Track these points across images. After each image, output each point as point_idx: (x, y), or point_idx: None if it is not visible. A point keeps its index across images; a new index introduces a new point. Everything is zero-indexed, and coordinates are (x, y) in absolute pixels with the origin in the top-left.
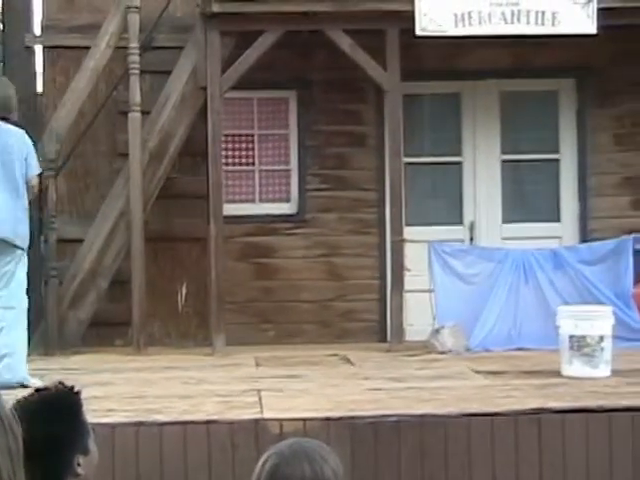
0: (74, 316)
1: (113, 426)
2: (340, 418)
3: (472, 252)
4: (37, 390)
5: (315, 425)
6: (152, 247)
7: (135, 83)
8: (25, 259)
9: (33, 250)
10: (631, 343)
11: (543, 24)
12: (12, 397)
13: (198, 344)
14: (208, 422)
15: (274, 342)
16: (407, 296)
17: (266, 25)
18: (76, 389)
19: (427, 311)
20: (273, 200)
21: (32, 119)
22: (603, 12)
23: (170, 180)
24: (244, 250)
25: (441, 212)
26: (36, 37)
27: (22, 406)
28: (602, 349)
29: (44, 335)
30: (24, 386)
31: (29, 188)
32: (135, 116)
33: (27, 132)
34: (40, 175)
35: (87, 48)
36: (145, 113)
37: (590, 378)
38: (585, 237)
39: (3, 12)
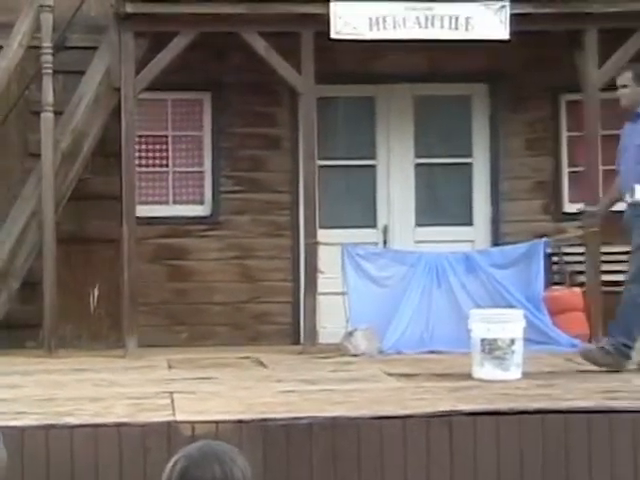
0: None
1: (23, 429)
2: (252, 420)
3: (385, 255)
4: None
5: (227, 428)
6: (64, 248)
7: (48, 83)
8: None
9: None
10: (542, 346)
11: (457, 29)
12: None
13: (110, 346)
14: (119, 425)
15: (187, 344)
16: (320, 298)
17: (180, 27)
18: None
19: (340, 314)
20: (187, 202)
21: None
22: (516, 18)
23: (83, 181)
24: (157, 252)
25: (355, 215)
26: None
27: None
28: (513, 352)
29: None
30: None
31: None
32: (48, 116)
33: None
34: None
35: None
36: (58, 113)
37: (501, 381)
38: (497, 241)
39: None
